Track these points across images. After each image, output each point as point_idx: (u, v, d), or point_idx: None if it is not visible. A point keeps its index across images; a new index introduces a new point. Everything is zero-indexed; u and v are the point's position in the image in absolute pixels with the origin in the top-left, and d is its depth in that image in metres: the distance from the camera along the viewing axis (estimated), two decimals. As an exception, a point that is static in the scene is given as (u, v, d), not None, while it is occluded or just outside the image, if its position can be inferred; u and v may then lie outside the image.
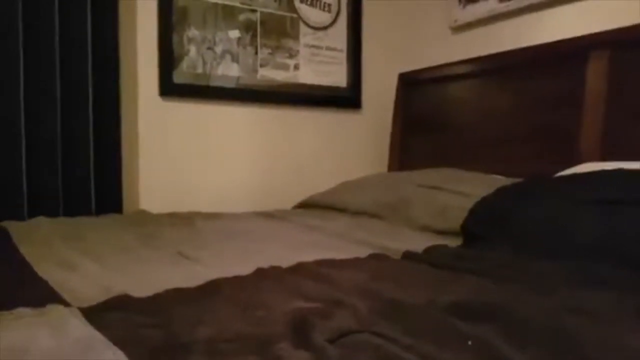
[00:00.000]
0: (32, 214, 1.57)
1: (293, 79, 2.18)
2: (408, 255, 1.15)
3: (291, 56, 2.18)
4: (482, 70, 1.95)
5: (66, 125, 1.65)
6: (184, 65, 1.95)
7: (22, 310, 0.70)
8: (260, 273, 0.95)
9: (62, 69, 1.65)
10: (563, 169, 1.51)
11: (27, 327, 0.63)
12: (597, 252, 1.01)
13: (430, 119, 2.16)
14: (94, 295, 0.80)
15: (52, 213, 1.57)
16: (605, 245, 1.02)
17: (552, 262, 1.02)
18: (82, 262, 1.00)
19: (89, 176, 1.67)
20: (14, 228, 1.31)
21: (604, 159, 1.51)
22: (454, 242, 1.29)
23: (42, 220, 1.44)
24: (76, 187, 1.66)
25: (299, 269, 0.98)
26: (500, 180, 1.59)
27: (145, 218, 1.55)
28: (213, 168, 2.02)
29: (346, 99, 2.31)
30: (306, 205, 1.93)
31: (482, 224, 1.33)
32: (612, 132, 1.55)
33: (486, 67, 1.93)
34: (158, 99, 1.91)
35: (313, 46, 2.22)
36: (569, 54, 1.67)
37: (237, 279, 0.91)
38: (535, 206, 1.27)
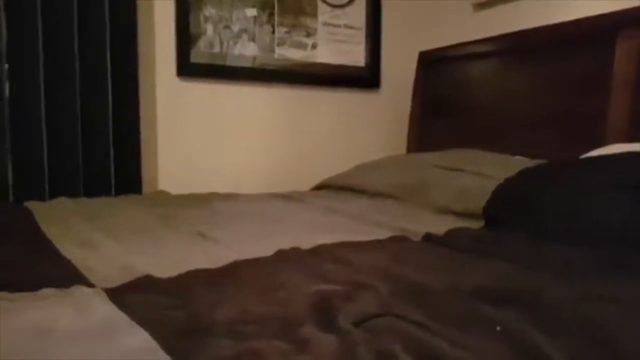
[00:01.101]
0: (53, 195, 1.59)
1: (310, 58, 2.15)
2: (429, 238, 1.13)
3: (309, 35, 2.14)
4: (505, 49, 1.89)
5: (85, 106, 1.66)
6: (201, 44, 1.94)
7: (46, 291, 0.70)
8: (280, 254, 0.95)
9: (80, 49, 1.65)
10: (588, 153, 1.47)
11: (51, 307, 0.64)
12: (623, 239, 0.99)
13: (450, 99, 2.11)
14: (117, 275, 0.81)
15: (73, 194, 1.59)
16: (629, 232, 1.00)
17: (576, 247, 1.00)
18: (104, 242, 1.01)
19: (109, 157, 1.68)
20: (37, 208, 1.33)
21: (631, 142, 1.47)
22: (474, 225, 1.27)
23: (63, 201, 1.45)
24: (96, 168, 1.68)
25: (319, 250, 0.98)
26: (523, 162, 1.55)
27: (164, 199, 1.55)
28: (230, 148, 2.02)
29: (364, 78, 2.28)
30: (324, 186, 1.92)
31: (504, 207, 1.30)
32: (640, 115, 1.50)
33: (509, 46, 1.88)
34: (176, 79, 1.90)
35: (331, 24, 2.18)
36: (597, 33, 1.61)
37: (257, 261, 0.91)
38: (559, 190, 1.24)
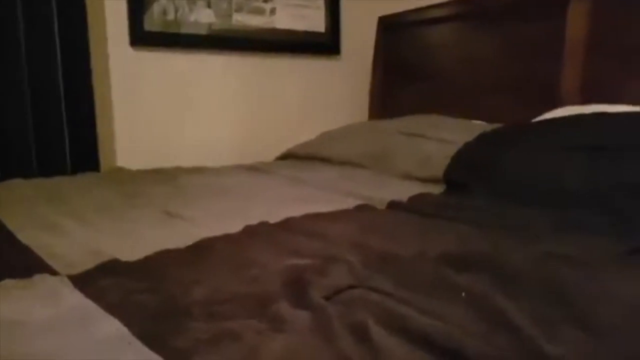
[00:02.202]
0: (5, 174, 1.51)
1: (269, 24, 2.10)
2: (393, 205, 1.16)
3: (267, 0, 2.08)
4: (464, 14, 1.90)
5: (34, 81, 1.58)
6: (154, 11, 1.85)
7: (8, 282, 0.68)
8: (249, 230, 0.95)
9: (25, 20, 1.55)
10: (543, 114, 1.51)
11: (19, 300, 0.62)
12: (577, 198, 1.04)
13: (411, 64, 2.12)
14: (82, 260, 0.79)
15: (26, 173, 1.52)
16: (585, 191, 1.05)
17: (534, 208, 1.04)
18: (66, 226, 0.98)
19: (62, 134, 1.61)
20: (-11, 190, 1.27)
21: (583, 104, 1.52)
22: (437, 190, 1.31)
23: (19, 183, 1.38)
24: (50, 145, 1.61)
25: (288, 224, 0.98)
26: (482, 127, 1.59)
27: (126, 176, 1.51)
28: (190, 119, 1.97)
29: (324, 44, 2.24)
30: (289, 156, 1.91)
31: (463, 172, 1.34)
32: (591, 77, 1.55)
33: (468, 10, 1.89)
34: (129, 48, 1.82)
35: (289, -11, 2.13)
36: (551, -3, 1.64)
37: (227, 237, 0.91)
38: (515, 153, 1.28)
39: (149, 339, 0.53)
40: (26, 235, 0.91)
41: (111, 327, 0.56)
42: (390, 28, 2.19)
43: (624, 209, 0.96)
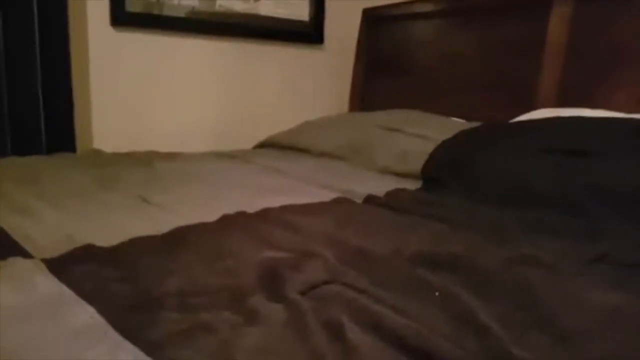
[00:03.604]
0: (-22, 153, 1.48)
1: (253, 10, 2.08)
2: (370, 199, 1.17)
3: (252, -14, 2.06)
4: (448, 10, 1.91)
5: (11, 59, 1.53)
6: (136, -9, 1.81)
7: (-20, 264, 0.67)
8: (226, 220, 0.94)
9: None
10: (521, 115, 1.54)
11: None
12: (550, 201, 1.06)
13: (393, 58, 2.13)
14: (56, 244, 0.78)
15: (0, 151, 1.49)
16: (557, 194, 1.07)
17: (505, 208, 1.06)
18: (40, 208, 0.96)
19: (39, 114, 1.57)
20: (-41, 169, 1.23)
21: (560, 106, 1.56)
22: (413, 185, 1.32)
23: (-9, 161, 1.35)
24: (26, 125, 1.57)
25: (265, 215, 0.98)
26: (461, 124, 1.62)
27: (101, 158, 1.49)
28: (169, 103, 1.94)
29: (308, 33, 2.23)
30: (267, 144, 1.91)
31: (441, 169, 1.36)
32: (569, 81, 1.59)
33: (452, 7, 1.90)
34: (110, 29, 1.78)
35: (275, -25, 2.11)
36: (534, -1, 1.67)
37: (202, 226, 0.90)
38: (491, 153, 1.30)
39: (123, 329, 0.53)
40: (0, 217, 0.89)
41: (87, 315, 0.56)
42: (374, 20, 2.19)
43: (595, 214, 0.99)
